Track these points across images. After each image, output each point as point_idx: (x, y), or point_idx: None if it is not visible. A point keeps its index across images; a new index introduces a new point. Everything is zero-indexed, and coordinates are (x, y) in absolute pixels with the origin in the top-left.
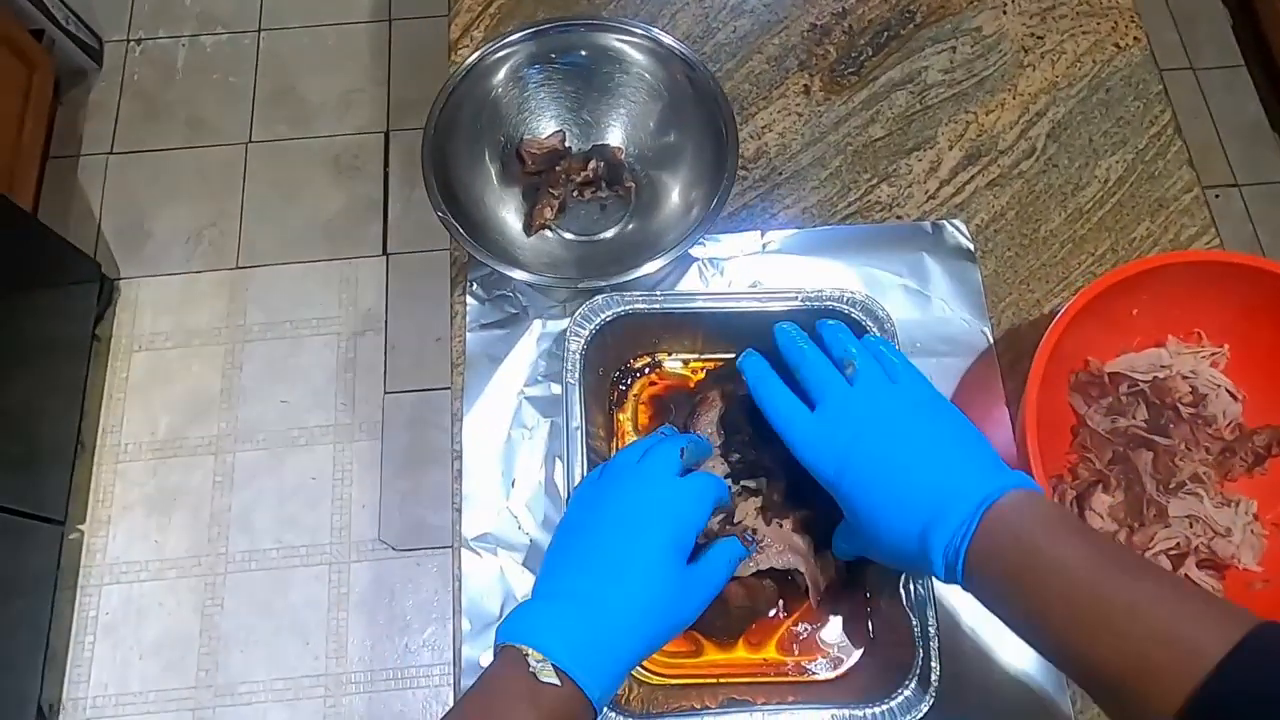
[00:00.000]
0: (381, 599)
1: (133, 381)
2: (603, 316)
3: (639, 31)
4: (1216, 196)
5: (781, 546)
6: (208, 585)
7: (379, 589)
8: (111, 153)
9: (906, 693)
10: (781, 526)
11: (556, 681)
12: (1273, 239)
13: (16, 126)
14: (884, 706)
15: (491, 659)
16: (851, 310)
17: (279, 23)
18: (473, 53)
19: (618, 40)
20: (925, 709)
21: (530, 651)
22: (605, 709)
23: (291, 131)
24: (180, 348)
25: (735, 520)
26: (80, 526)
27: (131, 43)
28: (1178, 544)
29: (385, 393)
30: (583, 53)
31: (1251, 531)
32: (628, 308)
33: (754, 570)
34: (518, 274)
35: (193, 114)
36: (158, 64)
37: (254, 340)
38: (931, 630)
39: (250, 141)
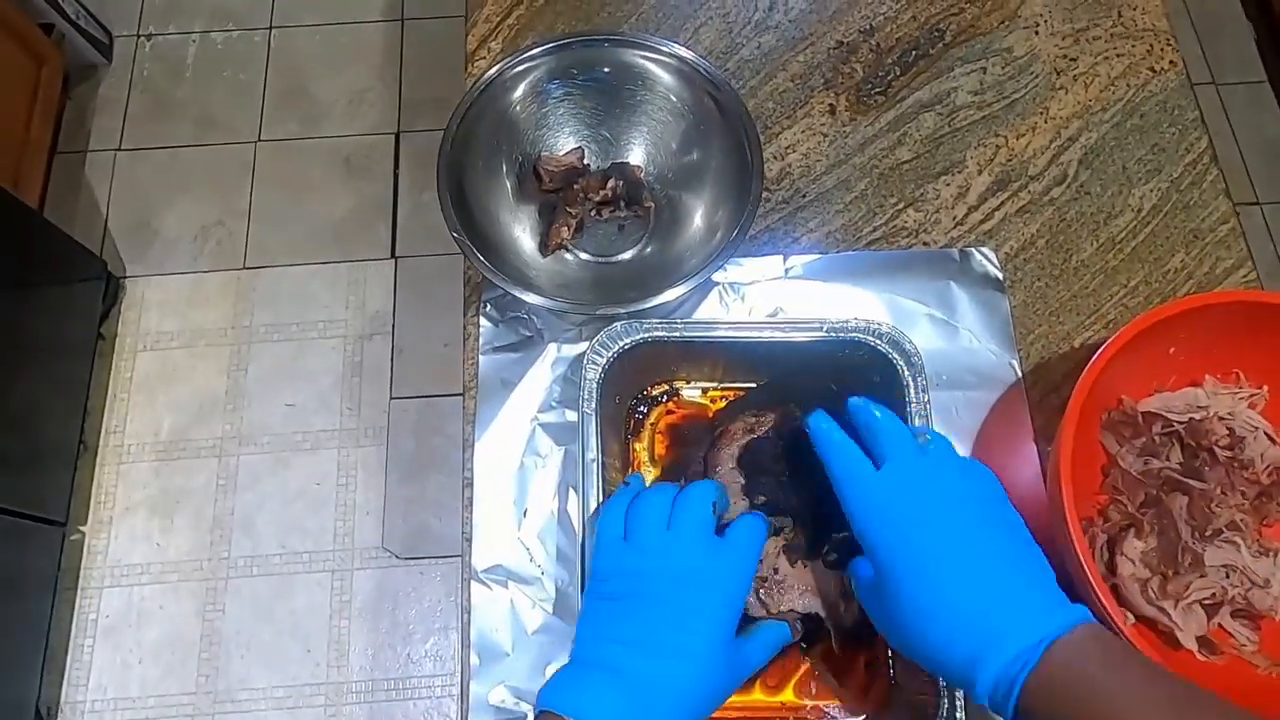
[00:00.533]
0: (384, 607)
1: (137, 381)
2: (621, 344)
3: (664, 49)
4: (1237, 214)
5: (804, 588)
6: (209, 589)
7: (382, 597)
8: (120, 149)
9: None
10: (806, 567)
11: None
12: None
13: (24, 121)
14: None
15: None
16: (878, 343)
17: (291, 20)
18: (490, 66)
19: (641, 57)
20: None
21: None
22: None
23: (301, 131)
24: (185, 348)
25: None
26: (81, 528)
27: (142, 38)
28: (1213, 594)
29: (391, 398)
30: (605, 69)
31: None
32: (647, 335)
33: (776, 611)
34: (533, 298)
35: (202, 111)
36: (168, 60)
37: (260, 342)
38: None
39: (260, 140)
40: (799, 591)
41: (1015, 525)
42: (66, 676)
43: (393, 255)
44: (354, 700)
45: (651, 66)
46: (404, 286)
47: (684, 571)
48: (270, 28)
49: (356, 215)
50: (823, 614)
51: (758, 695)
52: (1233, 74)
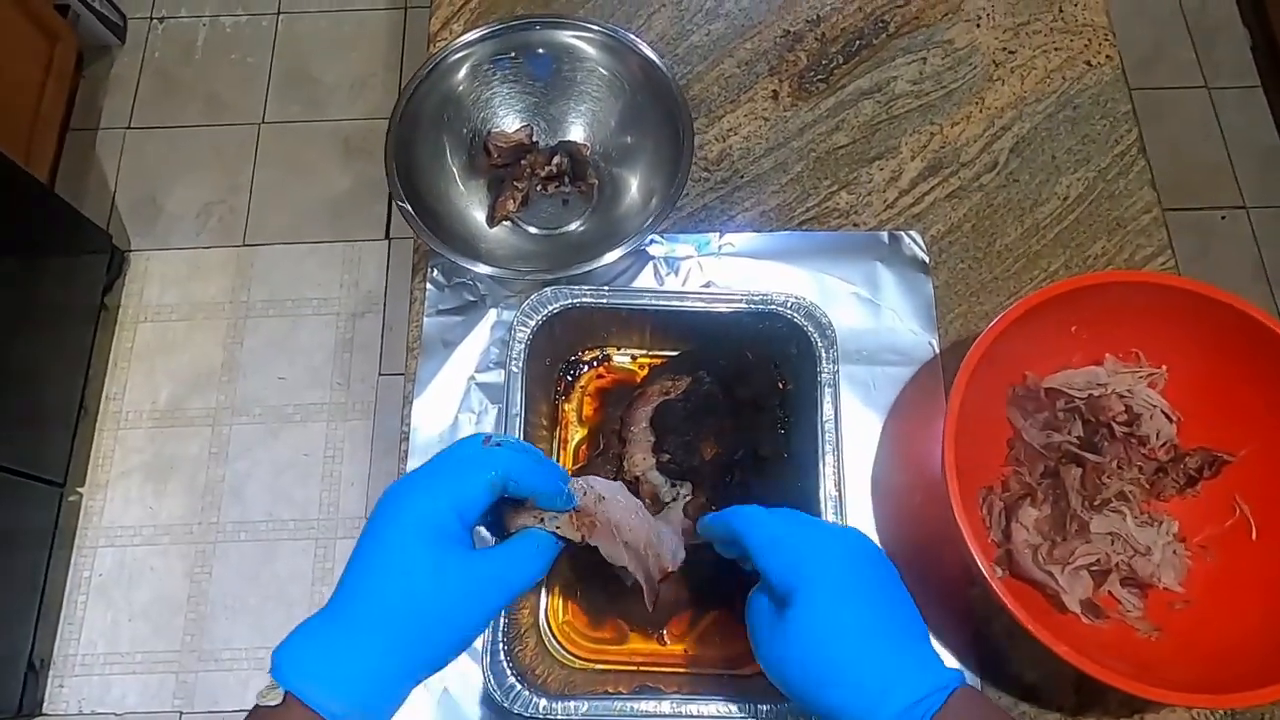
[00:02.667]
0: None
1: (137, 351)
2: (550, 308)
3: (596, 28)
4: (1223, 218)
5: (615, 537)
6: (198, 553)
7: None
8: (129, 128)
9: None
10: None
11: (272, 702)
12: (1279, 263)
13: (36, 98)
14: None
15: None
16: (794, 315)
17: (297, 6)
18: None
19: (574, 38)
20: None
21: (269, 679)
22: (521, 687)
23: (304, 113)
24: (185, 320)
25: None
26: (79, 489)
27: (154, 20)
28: (1098, 560)
29: (380, 374)
30: (540, 50)
31: (1174, 552)
32: (575, 301)
33: (581, 542)
34: (473, 266)
35: (209, 93)
36: (178, 42)
37: (256, 316)
38: None
39: (263, 122)
40: (609, 540)
41: (909, 599)
42: (60, 631)
43: (387, 236)
44: None
45: (585, 47)
46: (396, 267)
47: (399, 486)
48: (278, 13)
49: (353, 197)
50: (629, 567)
51: (664, 644)
52: (1226, 79)
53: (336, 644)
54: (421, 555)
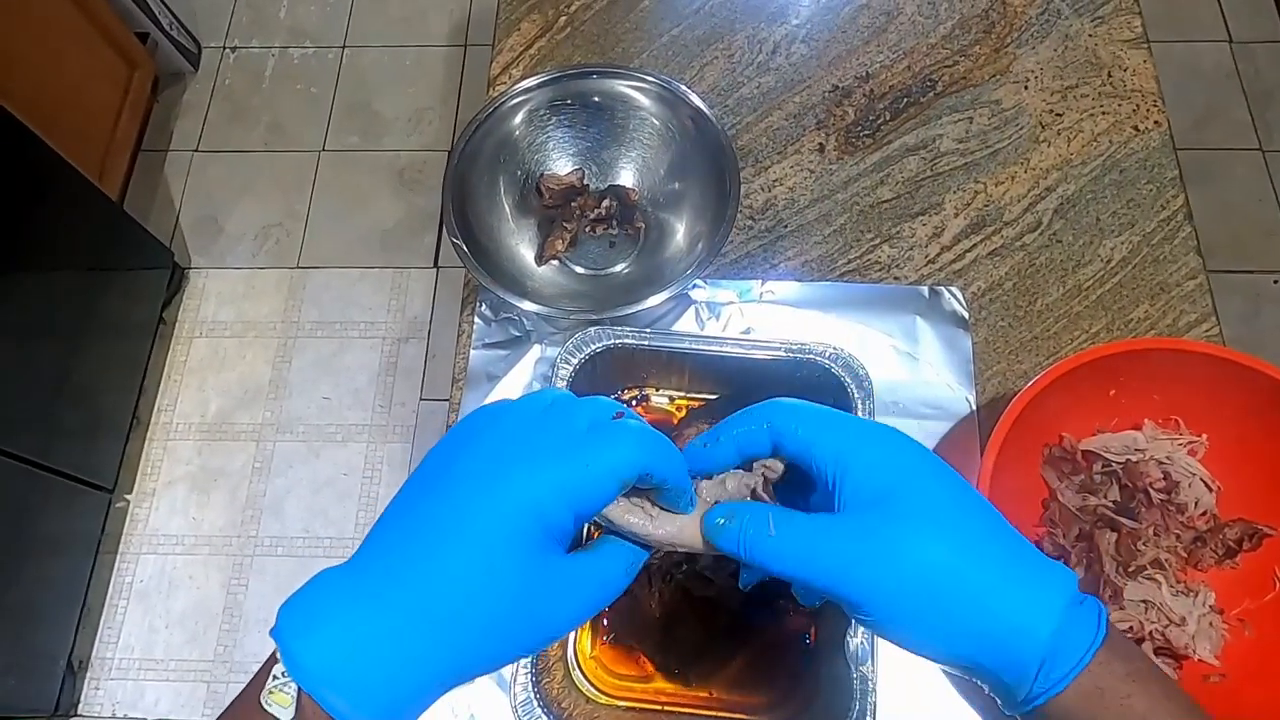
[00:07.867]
0: None
1: (191, 365)
2: (593, 348)
3: (650, 79)
4: (1275, 282)
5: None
6: (236, 565)
7: None
8: (197, 150)
9: None
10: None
11: (281, 716)
12: None
13: (114, 120)
14: None
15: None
16: (831, 365)
17: (362, 41)
18: (499, 92)
19: (628, 87)
20: None
21: (278, 656)
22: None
23: (362, 143)
24: (237, 338)
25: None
26: (127, 496)
27: (227, 50)
28: (1130, 628)
29: (421, 399)
30: (595, 98)
31: (1210, 624)
32: (617, 341)
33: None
34: (520, 303)
35: (274, 120)
36: (248, 71)
37: (305, 337)
38: (870, 682)
39: (323, 150)
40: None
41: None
42: (99, 634)
43: (435, 265)
44: None
45: (640, 97)
46: (443, 295)
47: (512, 447)
48: (343, 47)
49: (405, 225)
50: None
51: (689, 686)
52: None
53: (389, 637)
54: (525, 555)
